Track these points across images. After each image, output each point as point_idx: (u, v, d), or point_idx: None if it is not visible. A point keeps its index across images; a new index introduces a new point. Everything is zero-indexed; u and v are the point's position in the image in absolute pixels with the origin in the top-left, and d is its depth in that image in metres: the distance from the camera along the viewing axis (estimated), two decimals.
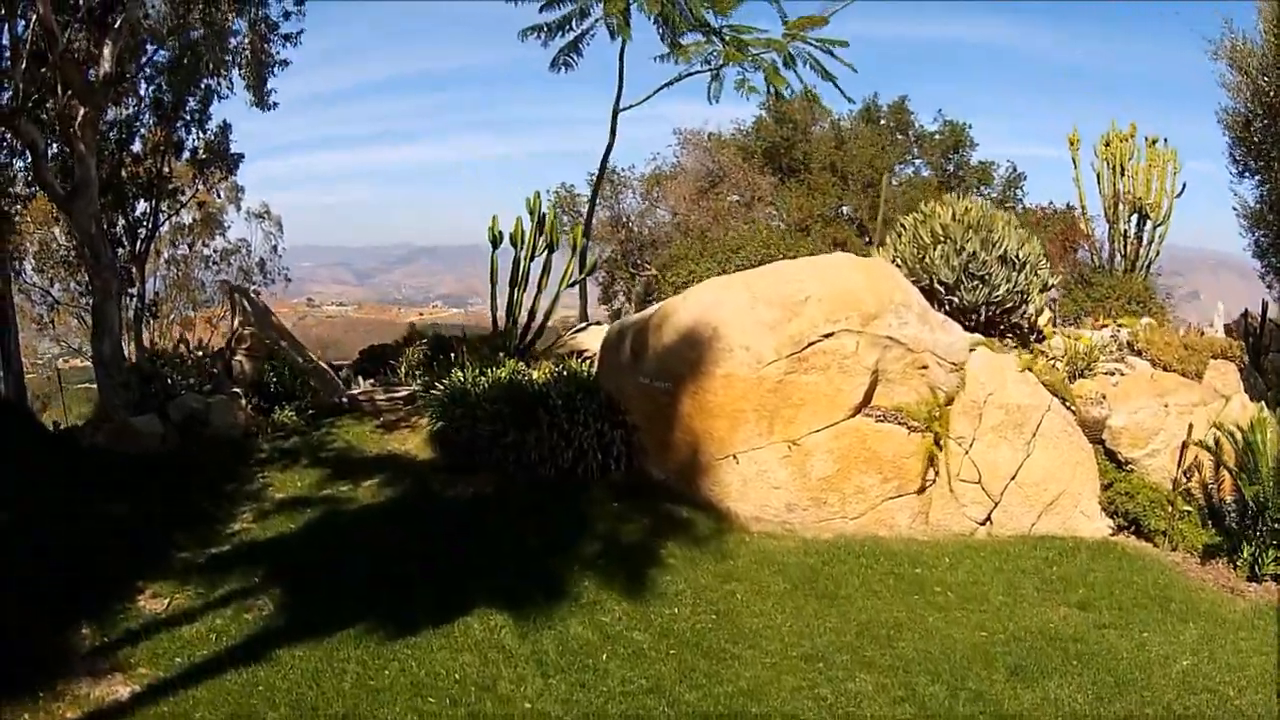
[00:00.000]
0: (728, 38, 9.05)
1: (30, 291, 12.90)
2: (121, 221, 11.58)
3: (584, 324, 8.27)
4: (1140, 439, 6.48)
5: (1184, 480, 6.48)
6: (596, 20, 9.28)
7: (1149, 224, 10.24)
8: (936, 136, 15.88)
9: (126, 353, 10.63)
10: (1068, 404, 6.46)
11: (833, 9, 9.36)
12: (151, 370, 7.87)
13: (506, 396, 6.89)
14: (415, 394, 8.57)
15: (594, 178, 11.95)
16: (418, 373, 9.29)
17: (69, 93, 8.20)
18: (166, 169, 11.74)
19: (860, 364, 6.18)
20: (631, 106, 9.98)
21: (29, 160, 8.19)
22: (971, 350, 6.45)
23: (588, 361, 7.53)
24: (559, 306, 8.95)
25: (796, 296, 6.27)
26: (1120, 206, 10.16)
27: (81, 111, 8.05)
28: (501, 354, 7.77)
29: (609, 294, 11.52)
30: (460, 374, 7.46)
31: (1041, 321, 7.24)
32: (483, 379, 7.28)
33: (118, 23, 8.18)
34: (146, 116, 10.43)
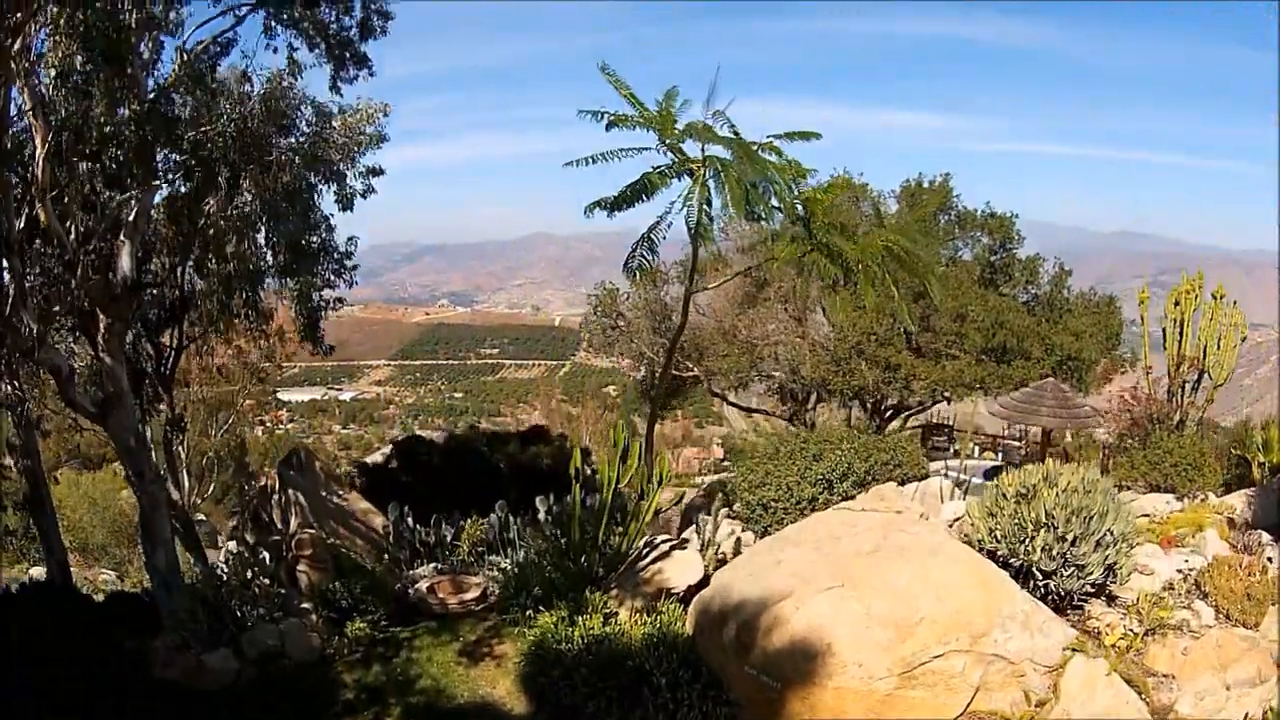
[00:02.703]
0: (816, 230, 8.30)
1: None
2: (146, 345, 10.44)
3: (665, 545, 8.14)
4: None
5: None
6: (674, 202, 8.30)
7: (1206, 379, 10.38)
8: (978, 214, 15.26)
9: (166, 471, 10.00)
10: (1142, 695, 6.87)
11: (925, 205, 8.66)
12: (217, 600, 7.54)
13: (606, 668, 6.93)
14: (487, 592, 8.51)
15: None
16: (480, 549, 9.17)
17: (87, 295, 7.19)
18: (188, 288, 10.43)
19: (966, 681, 6.40)
20: (706, 288, 9.22)
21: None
22: (1066, 651, 6.72)
23: (679, 610, 7.54)
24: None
25: (911, 617, 6.35)
26: (1184, 367, 10.24)
27: (104, 321, 7.12)
28: (588, 588, 7.69)
29: (648, 384, 11.23)
30: (549, 619, 7.41)
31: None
32: (574, 630, 7.26)
33: (132, 215, 7.03)
34: (161, 216, 8.95)
